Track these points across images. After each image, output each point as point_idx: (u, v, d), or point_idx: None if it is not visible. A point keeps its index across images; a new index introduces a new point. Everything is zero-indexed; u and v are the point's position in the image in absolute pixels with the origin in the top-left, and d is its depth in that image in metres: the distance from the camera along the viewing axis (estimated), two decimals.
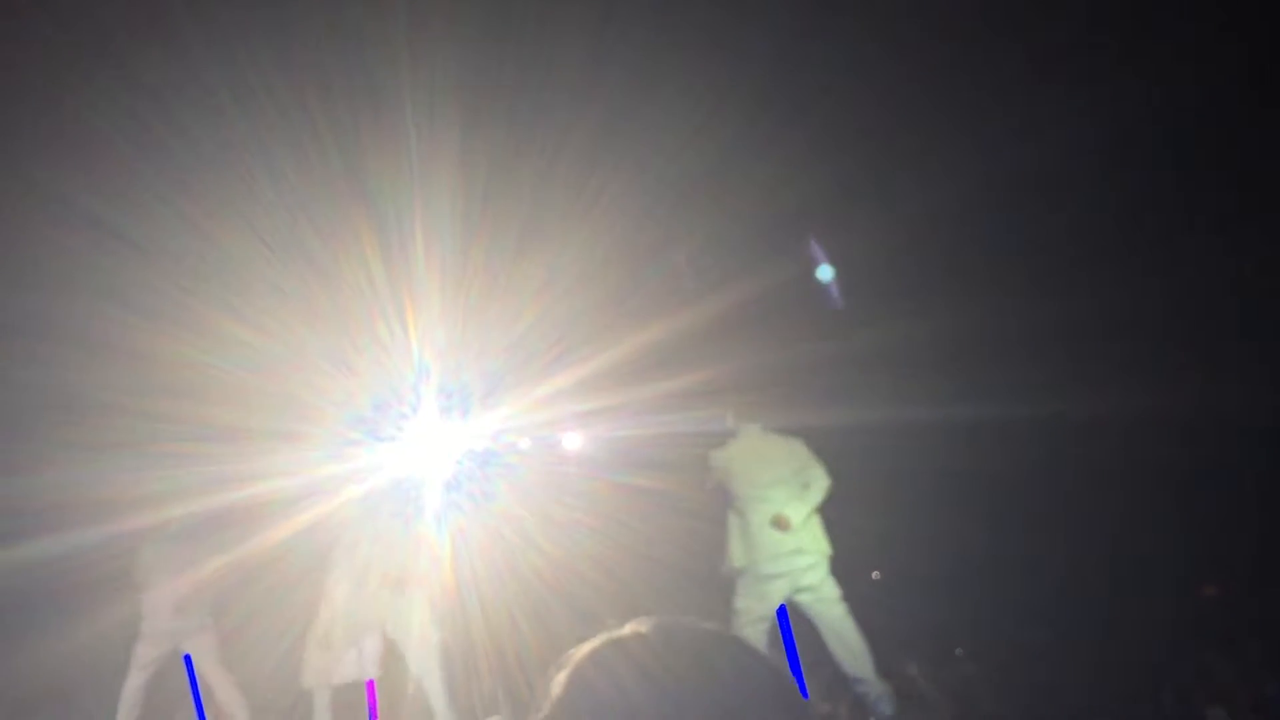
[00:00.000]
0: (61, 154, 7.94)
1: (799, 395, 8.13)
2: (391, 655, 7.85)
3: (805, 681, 6.81)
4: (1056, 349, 8.55)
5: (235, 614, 7.85)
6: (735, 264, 10.33)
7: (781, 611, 7.06)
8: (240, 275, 9.40)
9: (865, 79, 8.72)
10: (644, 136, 8.80)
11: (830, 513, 7.34)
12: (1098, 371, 8.26)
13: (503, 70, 9.00)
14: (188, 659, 7.68)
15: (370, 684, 7.77)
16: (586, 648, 1.04)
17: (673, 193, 9.39)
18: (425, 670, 7.81)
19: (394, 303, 9.81)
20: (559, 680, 1.02)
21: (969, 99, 8.37)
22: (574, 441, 10.48)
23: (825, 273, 9.83)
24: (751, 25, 8.27)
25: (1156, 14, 7.31)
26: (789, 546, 6.86)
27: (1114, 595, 7.56)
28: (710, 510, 8.75)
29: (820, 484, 7.02)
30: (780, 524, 6.78)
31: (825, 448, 7.76)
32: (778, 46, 8.53)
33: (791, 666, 6.75)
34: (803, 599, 7.08)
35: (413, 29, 7.99)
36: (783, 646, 7.08)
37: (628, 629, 1.04)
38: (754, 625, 7.00)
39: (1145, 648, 6.98)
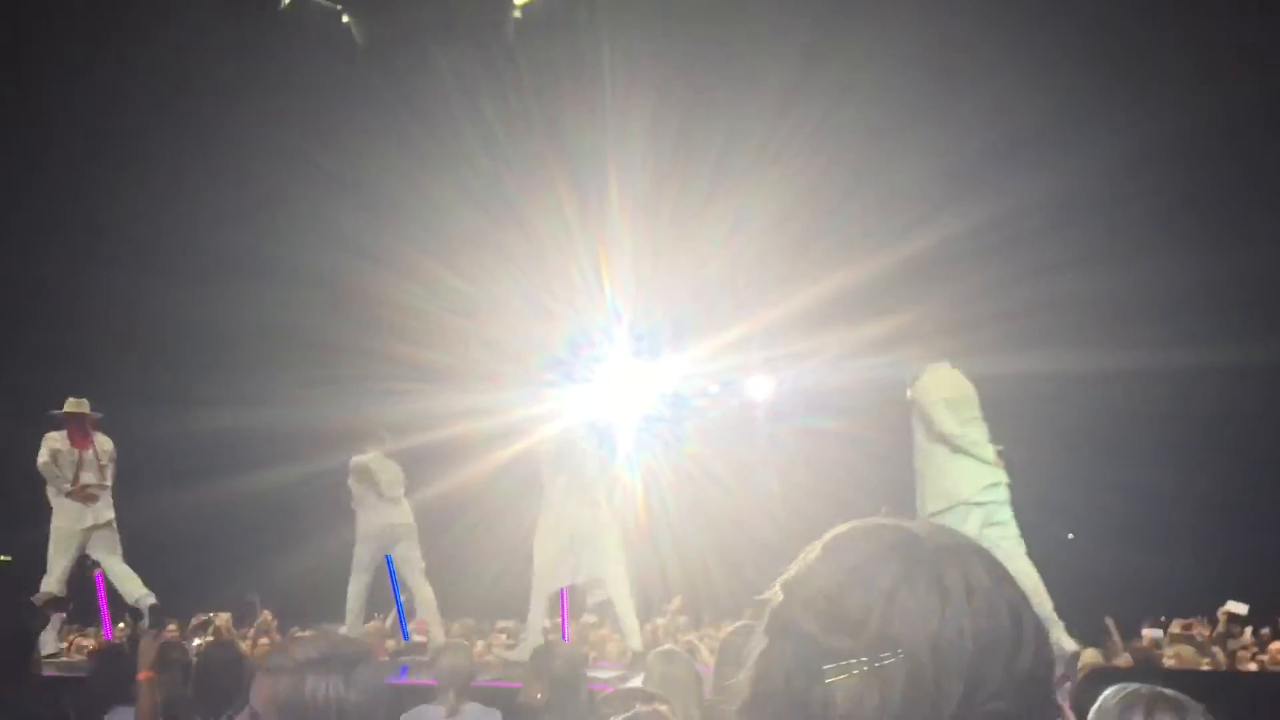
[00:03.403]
0: (293, 109, 8.44)
1: (994, 339, 7.90)
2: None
3: None
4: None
5: (447, 541, 8.29)
6: (928, 206, 10.08)
7: None
8: (445, 222, 9.79)
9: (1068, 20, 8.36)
10: (838, 78, 8.68)
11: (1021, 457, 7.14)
12: None
13: (697, 13, 9.02)
14: (389, 559, 8.04)
15: (563, 592, 7.97)
16: (842, 527, 1.06)
17: (865, 134, 9.23)
18: (618, 595, 7.99)
19: (587, 248, 10.03)
20: (815, 547, 1.04)
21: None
22: (761, 385, 10.52)
23: None
24: None
25: None
26: (990, 479, 6.71)
27: None
28: (894, 453, 8.68)
29: None
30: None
31: (1021, 392, 7.52)
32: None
33: None
34: (990, 534, 6.96)
35: None
36: None
37: (885, 519, 1.06)
38: None
39: None
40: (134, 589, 7.46)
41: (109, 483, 7.52)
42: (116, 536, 7.57)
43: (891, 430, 8.49)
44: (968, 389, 6.66)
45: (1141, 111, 8.15)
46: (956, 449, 6.53)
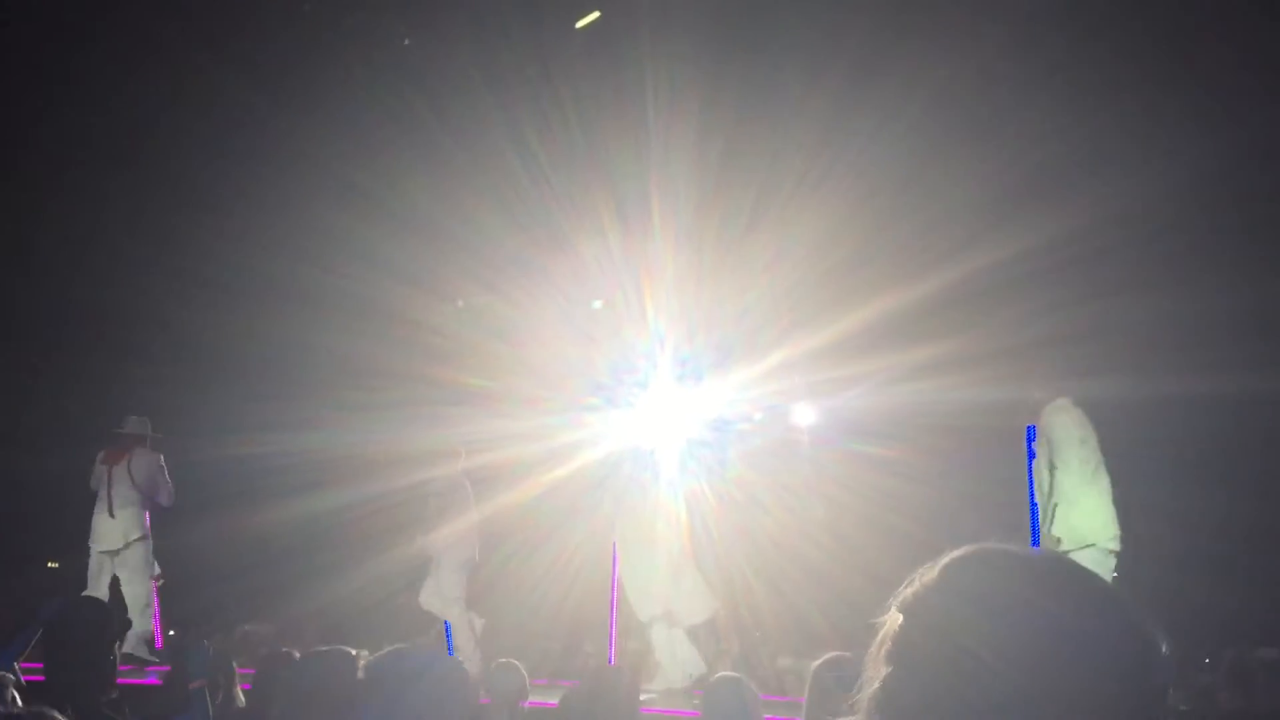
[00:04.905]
0: (339, 133, 8.59)
1: (1043, 367, 7.75)
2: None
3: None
4: None
5: (490, 567, 8.33)
6: (972, 232, 10.01)
7: None
8: (487, 247, 9.89)
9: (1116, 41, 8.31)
10: (875, 108, 8.69)
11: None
12: None
13: (740, 41, 9.08)
14: None
15: (612, 617, 7.97)
16: (961, 551, 1.08)
17: (909, 160, 9.22)
18: (659, 636, 7.96)
19: (629, 272, 10.07)
20: (931, 572, 1.07)
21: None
22: (805, 411, 10.48)
23: None
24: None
25: None
26: (1115, 525, 6.41)
27: None
28: (937, 478, 8.59)
29: None
30: None
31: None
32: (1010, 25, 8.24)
33: None
34: None
35: (655, 10, 8.17)
36: None
37: (1002, 545, 1.09)
38: None
39: None
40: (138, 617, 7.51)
41: (135, 502, 7.56)
42: (145, 557, 7.61)
43: (936, 455, 8.43)
44: (1091, 430, 6.42)
45: (1197, 130, 8.06)
46: (1087, 498, 6.30)
